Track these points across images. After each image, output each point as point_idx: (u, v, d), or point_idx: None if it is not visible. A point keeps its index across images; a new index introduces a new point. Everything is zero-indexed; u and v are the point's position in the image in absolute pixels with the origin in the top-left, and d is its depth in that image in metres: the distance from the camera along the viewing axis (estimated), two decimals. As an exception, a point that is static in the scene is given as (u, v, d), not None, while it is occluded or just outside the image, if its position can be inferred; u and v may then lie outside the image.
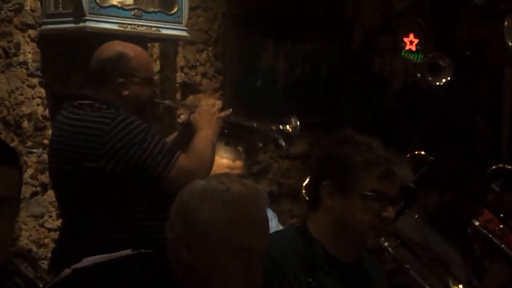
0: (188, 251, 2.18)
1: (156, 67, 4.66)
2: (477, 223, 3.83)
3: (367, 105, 5.21)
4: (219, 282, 2.18)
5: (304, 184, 3.88)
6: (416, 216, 3.68)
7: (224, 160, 4.05)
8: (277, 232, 3.37)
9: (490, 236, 3.83)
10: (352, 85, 5.44)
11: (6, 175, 1.85)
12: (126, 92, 3.39)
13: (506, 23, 5.42)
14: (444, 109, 5.54)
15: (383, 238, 2.95)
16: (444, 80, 5.43)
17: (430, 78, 5.41)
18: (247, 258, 2.18)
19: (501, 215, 4.18)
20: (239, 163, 4.11)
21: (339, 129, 2.83)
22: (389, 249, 2.75)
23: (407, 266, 3.07)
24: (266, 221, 2.28)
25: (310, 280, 2.60)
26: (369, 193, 2.61)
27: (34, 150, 4.10)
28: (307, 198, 3.64)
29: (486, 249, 3.94)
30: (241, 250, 2.18)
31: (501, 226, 4.03)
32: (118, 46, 3.49)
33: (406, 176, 2.71)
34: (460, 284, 3.22)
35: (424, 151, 4.67)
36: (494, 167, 4.60)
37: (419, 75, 5.45)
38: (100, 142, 3.26)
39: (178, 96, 4.81)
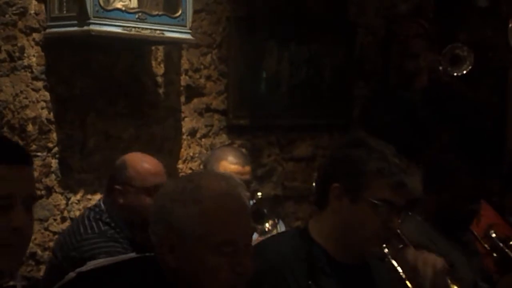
0: (173, 255, 2.17)
1: (160, 70, 4.67)
2: (494, 235, 3.83)
3: (395, 104, 5.21)
4: (208, 280, 2.16)
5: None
6: (420, 219, 3.68)
7: (234, 166, 4.06)
8: (278, 234, 3.37)
9: (507, 250, 3.82)
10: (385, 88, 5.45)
11: (32, 175, 1.97)
12: (121, 201, 3.59)
13: (510, 25, 5.41)
14: (468, 106, 5.51)
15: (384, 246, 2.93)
16: (465, 71, 5.39)
17: (449, 69, 5.37)
18: (232, 251, 2.16)
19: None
20: (248, 168, 4.13)
21: (353, 131, 2.81)
22: (389, 257, 2.72)
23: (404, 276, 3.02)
24: (243, 210, 2.23)
25: (310, 282, 2.58)
26: (378, 202, 2.59)
27: (39, 154, 4.11)
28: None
29: (501, 260, 3.93)
30: (223, 244, 2.15)
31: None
32: (128, 155, 3.73)
33: (417, 188, 2.68)
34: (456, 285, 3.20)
35: (448, 150, 4.65)
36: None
37: (440, 68, 5.42)
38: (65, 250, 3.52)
39: (183, 99, 4.81)
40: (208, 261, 2.14)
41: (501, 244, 3.85)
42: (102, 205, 3.63)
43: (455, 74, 5.37)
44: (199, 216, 2.15)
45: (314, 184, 3.77)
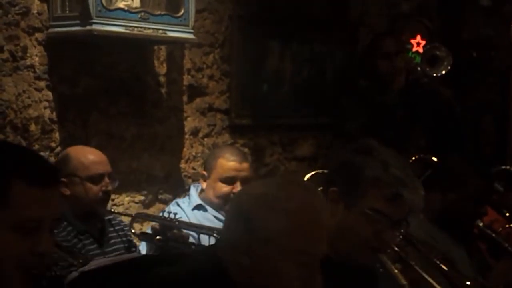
0: (248, 256, 2.18)
1: (163, 69, 4.67)
2: (481, 224, 3.84)
3: (370, 105, 5.20)
4: (278, 287, 2.19)
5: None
6: (422, 217, 3.68)
7: (231, 163, 4.07)
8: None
9: (494, 236, 3.84)
10: (357, 87, 5.44)
11: (59, 194, 1.94)
12: (68, 192, 3.61)
13: (512, 24, 5.42)
14: (447, 107, 5.50)
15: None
16: (443, 71, 5.37)
17: (428, 69, 5.36)
18: (308, 262, 2.19)
19: (507, 214, 4.19)
20: (245, 165, 4.12)
21: (364, 136, 2.76)
22: (389, 263, 2.71)
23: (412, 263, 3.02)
24: (324, 223, 2.27)
25: None
26: (370, 211, 2.57)
27: (41, 153, 4.11)
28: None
29: (492, 249, 3.95)
30: (303, 255, 2.18)
31: (507, 225, 4.04)
32: (69, 148, 3.77)
33: (417, 202, 2.60)
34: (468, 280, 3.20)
35: (426, 151, 4.65)
36: (498, 168, 4.61)
37: (419, 68, 5.41)
38: None
39: (185, 98, 4.82)
40: (285, 270, 2.17)
41: (488, 231, 3.86)
42: None
43: (434, 74, 5.35)
44: (290, 228, 2.17)
45: None
